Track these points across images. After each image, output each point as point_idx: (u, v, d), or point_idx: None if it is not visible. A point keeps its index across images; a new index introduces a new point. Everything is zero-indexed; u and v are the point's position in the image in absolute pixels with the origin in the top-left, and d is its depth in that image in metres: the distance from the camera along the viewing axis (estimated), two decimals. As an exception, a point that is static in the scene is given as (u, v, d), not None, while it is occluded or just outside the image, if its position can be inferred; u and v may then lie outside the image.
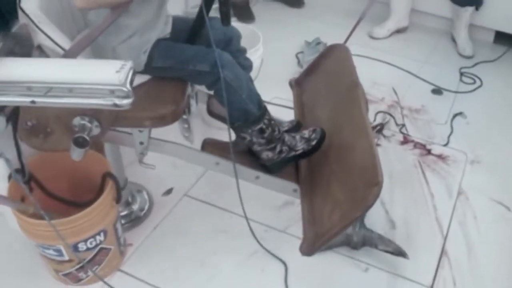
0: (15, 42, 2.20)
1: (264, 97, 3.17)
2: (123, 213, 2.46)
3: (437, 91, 3.42)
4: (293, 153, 2.15)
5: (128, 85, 1.42)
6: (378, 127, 3.04)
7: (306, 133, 2.18)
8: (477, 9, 3.75)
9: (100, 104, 1.42)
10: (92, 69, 1.48)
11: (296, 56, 3.68)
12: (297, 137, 2.17)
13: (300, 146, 2.15)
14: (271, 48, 3.66)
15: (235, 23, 3.91)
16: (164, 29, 2.06)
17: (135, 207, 2.53)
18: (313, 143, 2.15)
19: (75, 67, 1.52)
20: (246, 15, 4.14)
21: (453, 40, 3.90)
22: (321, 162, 2.12)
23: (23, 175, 1.97)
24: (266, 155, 2.12)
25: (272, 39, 3.80)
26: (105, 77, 1.42)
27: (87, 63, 1.63)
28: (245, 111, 2.03)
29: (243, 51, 2.27)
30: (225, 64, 1.94)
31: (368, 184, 1.77)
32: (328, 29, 3.82)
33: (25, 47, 1.93)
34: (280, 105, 3.06)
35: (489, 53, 3.81)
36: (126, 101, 1.40)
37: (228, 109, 1.96)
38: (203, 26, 1.96)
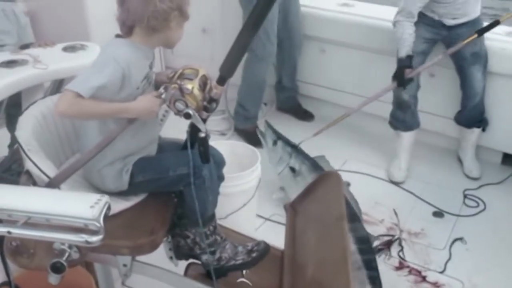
0: (13, 160, 2.32)
1: (263, 213, 3.26)
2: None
3: (439, 213, 3.38)
4: (233, 262, 2.13)
5: (101, 221, 1.49)
6: (387, 242, 3.05)
7: (249, 245, 2.19)
8: (483, 130, 3.74)
9: (73, 240, 1.49)
10: (69, 202, 1.56)
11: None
12: (239, 248, 2.17)
13: (241, 257, 2.15)
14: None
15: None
16: (151, 152, 2.15)
17: (123, 322, 2.52)
18: (254, 255, 2.14)
19: (55, 199, 1.60)
20: (256, 142, 3.84)
21: (459, 161, 3.88)
22: (303, 293, 2.11)
23: (11, 288, 2.02)
24: (206, 259, 2.12)
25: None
26: (79, 211, 1.49)
27: (66, 195, 1.71)
28: (203, 211, 2.04)
29: (222, 178, 2.28)
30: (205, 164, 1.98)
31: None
32: (334, 144, 3.83)
33: (21, 166, 2.03)
34: (278, 222, 3.09)
35: (496, 175, 3.76)
36: (96, 238, 1.46)
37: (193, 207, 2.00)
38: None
